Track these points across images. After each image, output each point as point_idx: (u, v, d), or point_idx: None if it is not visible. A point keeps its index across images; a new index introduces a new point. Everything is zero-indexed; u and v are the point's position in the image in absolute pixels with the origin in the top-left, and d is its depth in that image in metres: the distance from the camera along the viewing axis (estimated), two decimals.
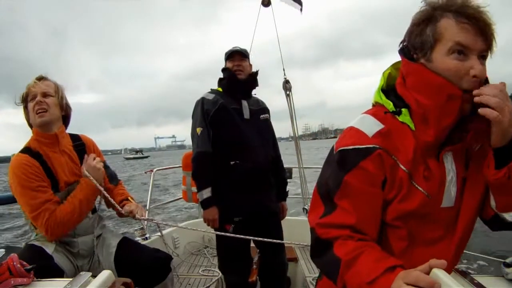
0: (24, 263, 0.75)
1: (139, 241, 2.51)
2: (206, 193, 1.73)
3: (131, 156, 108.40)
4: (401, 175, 0.79)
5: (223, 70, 1.90)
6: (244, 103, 1.85)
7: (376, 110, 0.85)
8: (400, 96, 0.82)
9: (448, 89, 0.72)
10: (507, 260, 0.70)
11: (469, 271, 0.65)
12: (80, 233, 1.46)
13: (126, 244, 1.53)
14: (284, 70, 2.59)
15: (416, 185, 0.79)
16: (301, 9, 3.22)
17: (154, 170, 3.16)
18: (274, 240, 1.70)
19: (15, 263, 0.72)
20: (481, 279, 0.62)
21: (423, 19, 0.76)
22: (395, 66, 0.87)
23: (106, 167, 1.60)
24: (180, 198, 3.11)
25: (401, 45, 0.83)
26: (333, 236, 0.79)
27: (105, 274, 0.72)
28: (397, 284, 0.62)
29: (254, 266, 1.85)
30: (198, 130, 1.77)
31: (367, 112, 0.86)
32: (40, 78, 1.44)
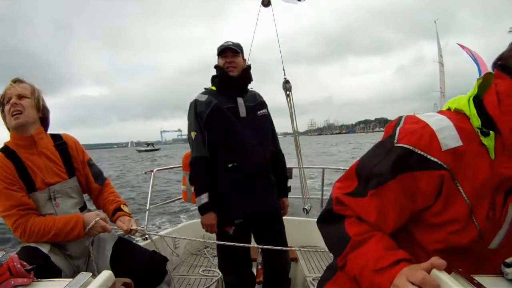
0: (24, 263, 0.75)
1: (139, 241, 2.51)
2: (204, 198, 1.70)
3: (143, 148, 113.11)
4: (461, 206, 0.70)
5: (216, 67, 1.83)
6: (240, 100, 1.78)
7: (459, 120, 0.72)
8: (488, 115, 0.70)
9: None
10: (507, 260, 0.69)
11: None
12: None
13: (122, 246, 1.52)
14: (284, 70, 2.59)
15: (476, 222, 0.70)
16: None
17: (154, 170, 3.16)
18: (273, 247, 1.70)
19: (15, 264, 0.72)
20: (481, 279, 0.62)
21: None
22: (486, 77, 0.75)
23: (91, 165, 1.60)
24: (180, 198, 3.11)
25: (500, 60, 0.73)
26: (348, 214, 0.78)
27: (105, 274, 0.72)
28: (402, 282, 0.61)
29: (259, 267, 1.84)
30: (193, 134, 1.74)
31: (447, 116, 0.73)
32: (16, 81, 1.44)
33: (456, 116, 0.73)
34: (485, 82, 0.74)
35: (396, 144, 0.72)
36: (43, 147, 1.45)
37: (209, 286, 2.34)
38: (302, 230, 2.87)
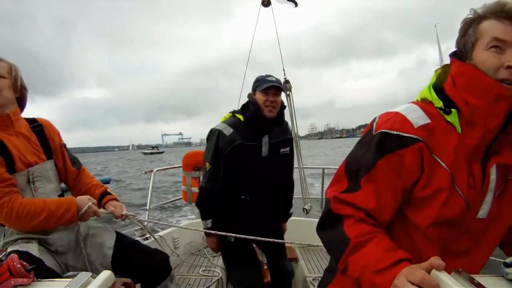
0: (24, 263, 0.75)
1: (140, 241, 2.50)
2: (208, 223, 1.77)
3: (148, 151, 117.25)
4: (442, 176, 0.76)
5: (250, 101, 1.73)
6: (265, 138, 1.72)
7: (424, 105, 0.82)
8: (449, 97, 0.80)
9: (495, 89, 0.72)
10: (507, 260, 0.69)
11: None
12: (53, 229, 1.37)
13: (123, 244, 1.49)
14: (284, 70, 2.59)
15: (459, 191, 0.76)
16: (295, 4, 3.20)
17: (155, 170, 3.16)
18: (275, 240, 1.69)
19: (15, 264, 0.72)
20: (481, 279, 0.62)
21: (467, 22, 0.79)
22: (444, 69, 0.85)
23: (66, 149, 1.55)
24: (180, 198, 3.11)
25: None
26: (346, 213, 0.79)
27: (105, 274, 0.72)
28: (401, 282, 0.62)
29: (265, 267, 1.84)
30: (207, 165, 1.72)
31: (415, 103, 0.84)
32: None
33: (422, 103, 0.83)
34: (444, 72, 0.84)
35: (374, 133, 0.80)
36: (19, 127, 1.38)
37: (209, 286, 2.34)
38: (302, 230, 2.87)
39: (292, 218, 2.04)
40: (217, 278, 2.44)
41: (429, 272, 0.61)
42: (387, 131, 0.78)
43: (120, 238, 1.52)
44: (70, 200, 1.35)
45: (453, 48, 0.84)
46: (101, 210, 1.47)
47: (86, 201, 1.38)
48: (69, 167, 1.54)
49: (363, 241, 0.74)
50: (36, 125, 1.46)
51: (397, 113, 0.81)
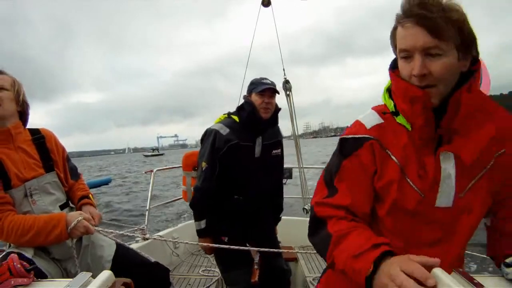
0: (24, 263, 0.75)
1: (139, 241, 2.49)
2: (202, 224, 1.80)
3: (149, 154, 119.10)
4: (393, 168, 0.83)
5: (247, 102, 1.77)
6: (259, 139, 1.79)
7: (381, 108, 0.91)
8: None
9: (409, 91, 0.77)
10: (507, 260, 0.70)
11: (469, 271, 0.65)
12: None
13: (122, 256, 1.46)
14: (284, 70, 2.60)
15: (410, 182, 0.82)
16: None
17: (155, 170, 3.16)
18: (277, 250, 1.71)
19: (15, 264, 0.72)
20: (481, 279, 0.62)
21: (391, 33, 0.82)
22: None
23: (68, 160, 1.55)
24: (180, 198, 3.11)
25: None
26: (328, 214, 0.85)
27: (105, 274, 0.72)
28: (395, 271, 0.62)
29: (256, 267, 1.85)
30: (203, 164, 1.75)
31: (373, 108, 0.93)
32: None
33: (382, 106, 0.92)
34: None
35: (338, 142, 0.93)
36: (20, 141, 1.38)
37: (209, 286, 2.34)
38: (302, 230, 2.87)
39: (292, 218, 2.05)
40: (217, 278, 2.44)
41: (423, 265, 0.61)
42: (344, 136, 0.90)
43: (120, 250, 1.49)
44: (59, 216, 1.32)
45: None
46: (94, 228, 1.39)
47: (76, 216, 1.33)
48: (68, 180, 1.54)
49: (344, 234, 0.79)
50: (38, 136, 1.45)
51: (356, 121, 0.92)
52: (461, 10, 0.74)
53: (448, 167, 0.81)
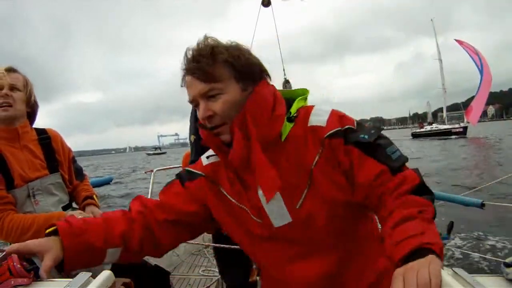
0: (24, 263, 0.75)
1: None
2: None
3: (152, 152, 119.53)
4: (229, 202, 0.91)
5: None
6: None
7: None
8: None
9: (203, 135, 0.86)
10: (507, 260, 0.69)
11: (469, 271, 0.65)
12: None
13: None
14: (284, 70, 2.59)
15: (253, 217, 0.87)
16: None
17: (154, 170, 3.16)
18: None
19: (15, 264, 0.71)
20: (481, 279, 0.62)
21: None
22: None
23: (74, 161, 1.55)
24: None
25: None
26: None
27: (105, 274, 0.71)
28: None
29: (254, 266, 1.85)
30: (192, 137, 1.76)
31: None
32: (9, 70, 1.36)
33: None
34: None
35: None
36: (26, 141, 1.38)
37: (209, 286, 2.34)
38: None
39: None
40: (217, 278, 2.44)
41: None
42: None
43: None
44: (59, 214, 1.32)
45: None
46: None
47: (75, 215, 1.32)
48: (73, 181, 1.54)
49: None
50: (44, 136, 1.46)
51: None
52: (232, 48, 0.83)
53: (261, 192, 0.84)
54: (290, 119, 0.87)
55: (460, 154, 18.63)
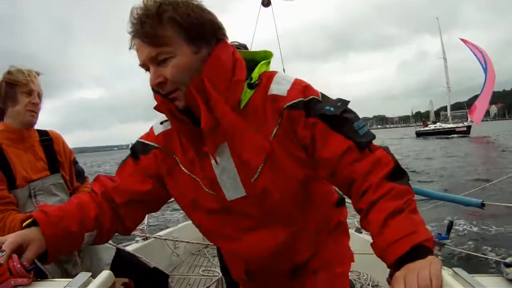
0: (25, 263, 0.75)
1: (139, 241, 2.49)
2: None
3: None
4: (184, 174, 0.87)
5: None
6: None
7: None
8: None
9: (156, 101, 0.80)
10: (507, 260, 0.69)
11: (469, 271, 0.65)
12: None
13: (121, 261, 1.45)
14: (284, 70, 2.60)
15: (206, 189, 0.84)
16: None
17: None
18: None
19: (15, 264, 0.71)
20: (481, 279, 0.62)
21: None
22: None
23: (75, 163, 1.57)
24: None
25: None
26: None
27: (105, 274, 0.71)
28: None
29: None
30: None
31: None
32: (39, 74, 1.41)
33: None
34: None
35: None
36: (30, 142, 1.42)
37: (209, 286, 2.34)
38: None
39: None
40: (217, 278, 2.44)
41: None
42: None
43: (119, 255, 1.49)
44: None
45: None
46: None
47: None
48: (73, 182, 1.55)
49: None
50: (46, 138, 1.48)
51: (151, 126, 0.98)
52: (177, 4, 0.73)
53: (223, 160, 0.80)
54: (251, 86, 0.80)
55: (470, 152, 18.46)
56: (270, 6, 3.11)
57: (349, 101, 0.81)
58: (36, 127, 1.48)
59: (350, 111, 0.80)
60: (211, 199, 0.84)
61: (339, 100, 0.81)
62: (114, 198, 0.89)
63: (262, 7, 3.12)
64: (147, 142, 0.91)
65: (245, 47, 1.79)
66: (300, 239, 0.88)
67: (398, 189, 0.70)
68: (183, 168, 0.86)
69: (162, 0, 0.73)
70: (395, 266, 0.63)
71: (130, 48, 0.78)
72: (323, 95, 0.81)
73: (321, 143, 0.76)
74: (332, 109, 0.77)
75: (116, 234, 0.95)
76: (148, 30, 0.72)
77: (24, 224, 0.81)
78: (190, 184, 0.85)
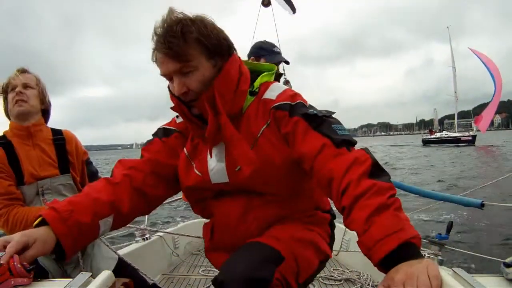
0: (25, 263, 0.75)
1: (139, 241, 2.49)
2: None
3: None
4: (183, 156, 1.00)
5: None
6: None
7: None
8: None
9: (178, 106, 0.90)
10: (507, 260, 0.69)
11: (469, 271, 0.65)
12: None
13: (121, 272, 1.37)
14: (284, 70, 2.59)
15: (193, 165, 0.97)
16: (294, 11, 3.21)
17: None
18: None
19: (15, 263, 0.71)
20: (481, 279, 0.62)
21: (153, 55, 0.89)
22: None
23: (88, 163, 1.57)
24: (180, 198, 3.11)
25: None
26: None
27: (105, 274, 0.71)
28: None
29: None
30: None
31: None
32: (21, 71, 1.44)
33: None
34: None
35: None
36: (39, 139, 1.42)
37: (209, 286, 2.34)
38: None
39: None
40: None
41: None
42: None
43: (121, 266, 1.47)
44: None
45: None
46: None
47: None
48: (85, 183, 1.54)
49: None
50: (59, 137, 1.49)
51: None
52: (198, 25, 0.83)
53: (217, 156, 0.92)
54: (252, 93, 0.94)
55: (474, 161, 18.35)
56: (270, 6, 3.11)
57: (334, 112, 0.89)
58: (48, 125, 1.50)
59: (333, 118, 0.88)
60: (196, 179, 0.95)
61: (326, 111, 0.89)
62: (143, 171, 0.96)
63: (262, 7, 3.13)
64: (169, 127, 1.04)
65: (272, 45, 1.73)
66: (278, 222, 0.94)
67: (380, 185, 0.71)
68: (185, 151, 0.98)
69: (182, 17, 0.82)
70: (382, 263, 0.63)
71: (153, 61, 0.88)
72: (310, 105, 0.91)
73: (300, 139, 0.84)
74: (314, 112, 0.86)
75: (116, 234, 0.96)
76: (175, 49, 0.81)
77: (35, 223, 0.82)
78: (187, 165, 0.97)
